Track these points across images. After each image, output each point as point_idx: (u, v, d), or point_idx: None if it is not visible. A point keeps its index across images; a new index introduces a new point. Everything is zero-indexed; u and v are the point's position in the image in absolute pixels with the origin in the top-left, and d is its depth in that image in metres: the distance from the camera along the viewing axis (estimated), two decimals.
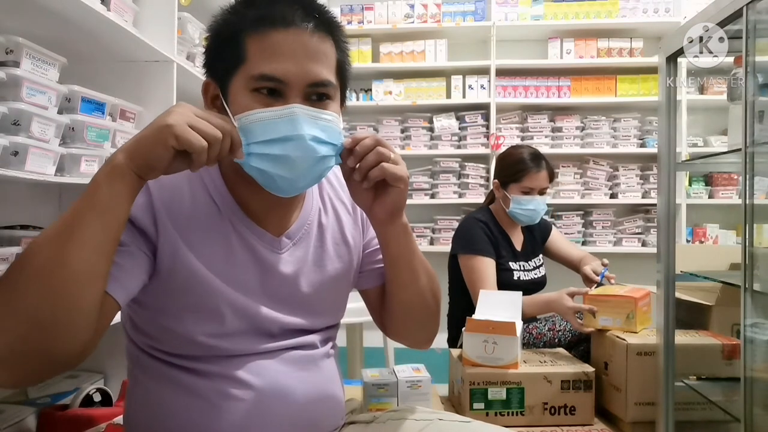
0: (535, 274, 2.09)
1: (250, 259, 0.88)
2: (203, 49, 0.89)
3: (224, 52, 0.83)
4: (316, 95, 0.82)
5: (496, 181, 2.07)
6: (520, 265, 2.06)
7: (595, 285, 1.91)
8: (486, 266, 1.94)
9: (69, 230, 0.68)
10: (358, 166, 0.83)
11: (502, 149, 2.23)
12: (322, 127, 0.80)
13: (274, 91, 0.80)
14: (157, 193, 0.83)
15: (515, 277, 2.02)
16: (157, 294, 0.83)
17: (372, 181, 0.83)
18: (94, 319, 0.70)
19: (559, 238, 2.24)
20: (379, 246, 0.98)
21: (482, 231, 2.01)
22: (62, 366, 0.71)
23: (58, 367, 0.71)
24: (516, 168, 2.01)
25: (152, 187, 0.82)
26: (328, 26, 0.84)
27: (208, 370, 0.86)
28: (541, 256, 2.18)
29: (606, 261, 2.02)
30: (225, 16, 0.85)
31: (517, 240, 2.11)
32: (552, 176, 2.06)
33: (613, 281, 1.94)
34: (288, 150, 0.78)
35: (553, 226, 2.29)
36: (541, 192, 2.02)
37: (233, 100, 0.81)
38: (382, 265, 0.99)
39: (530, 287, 2.02)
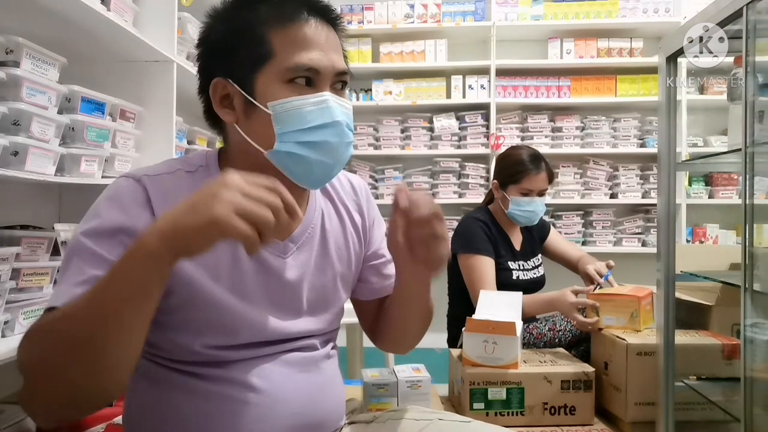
0: (534, 273, 2.09)
1: (256, 265, 0.87)
2: (212, 62, 0.88)
3: (244, 48, 0.82)
4: (340, 83, 0.86)
5: (495, 181, 2.07)
6: (519, 265, 2.06)
7: (597, 286, 1.91)
8: (486, 265, 1.94)
9: (108, 317, 0.66)
10: (402, 222, 0.81)
11: (502, 149, 2.23)
12: (347, 114, 0.85)
13: (305, 81, 0.82)
14: (161, 208, 0.80)
15: (514, 277, 2.02)
16: (162, 308, 0.81)
17: (410, 246, 0.82)
18: (131, 374, 0.72)
19: (557, 238, 2.24)
20: (379, 262, 1.02)
21: (481, 230, 2.01)
22: (99, 409, 0.77)
23: (96, 411, 0.78)
24: (515, 169, 2.01)
25: (156, 205, 0.80)
26: (334, 21, 0.88)
27: (208, 373, 0.86)
28: (540, 255, 2.17)
29: (612, 263, 2.01)
30: (239, 13, 0.84)
31: (516, 240, 2.11)
32: (551, 177, 2.06)
33: (613, 284, 1.94)
34: (327, 136, 0.81)
35: (551, 226, 2.29)
36: (540, 193, 2.01)
37: (263, 93, 0.81)
38: (382, 282, 1.03)
39: (529, 287, 2.02)
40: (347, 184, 1.03)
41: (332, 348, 1.01)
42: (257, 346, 0.88)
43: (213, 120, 0.90)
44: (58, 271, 1.23)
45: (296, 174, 0.83)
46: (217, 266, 0.84)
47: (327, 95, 0.82)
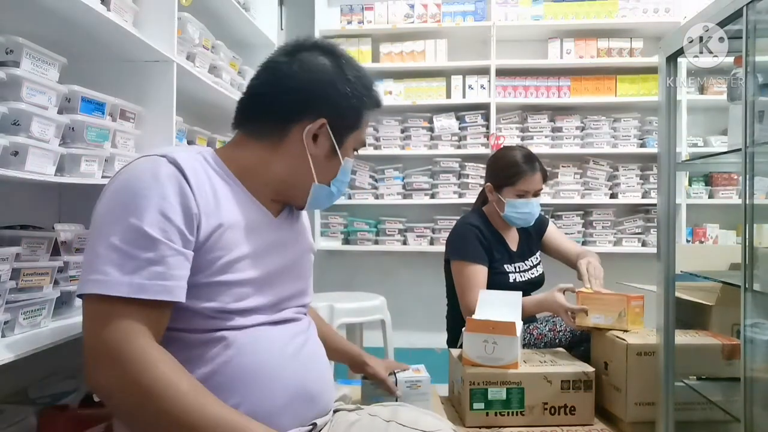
0: (532, 273, 2.08)
1: (263, 237, 1.01)
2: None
3: (349, 114, 1.06)
4: None
5: (489, 184, 2.05)
6: (515, 267, 2.05)
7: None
8: (476, 274, 1.93)
9: None
10: None
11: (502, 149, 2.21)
12: None
13: None
14: (195, 184, 0.92)
15: (511, 280, 2.01)
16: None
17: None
18: None
19: (555, 234, 2.21)
20: None
21: (475, 237, 1.99)
22: None
23: None
24: (510, 171, 1.98)
25: (191, 179, 0.91)
26: None
27: (207, 338, 0.92)
28: (538, 254, 2.16)
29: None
30: (351, 86, 1.04)
31: (512, 240, 2.10)
32: (545, 177, 2.04)
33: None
34: (345, 187, 1.13)
35: (549, 221, 2.26)
36: (536, 194, 2.00)
37: (344, 149, 1.07)
38: None
39: (527, 288, 2.01)
40: None
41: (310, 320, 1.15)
42: (257, 313, 0.98)
43: (270, 124, 1.04)
44: (58, 270, 1.24)
45: (313, 201, 1.08)
46: (240, 240, 0.97)
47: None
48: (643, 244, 3.43)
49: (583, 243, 3.41)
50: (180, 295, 0.88)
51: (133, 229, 0.85)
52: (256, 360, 0.94)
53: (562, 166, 3.47)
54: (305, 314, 1.13)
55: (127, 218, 0.85)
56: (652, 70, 3.33)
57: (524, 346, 1.92)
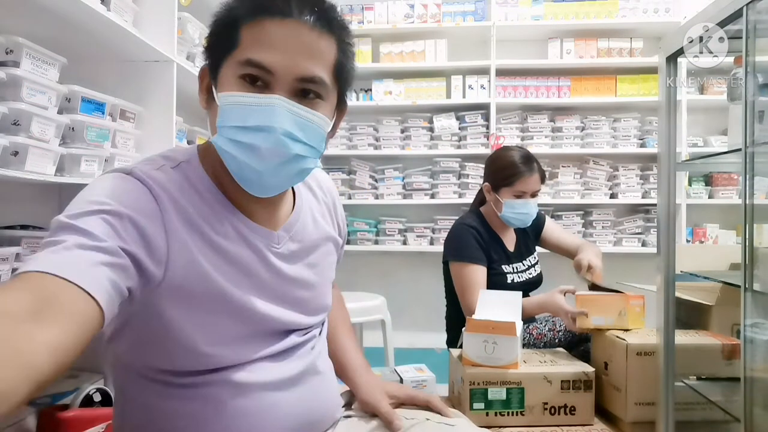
0: (530, 273, 2.08)
1: (251, 257, 0.85)
2: (203, 48, 0.89)
3: (220, 37, 0.80)
4: (304, 91, 0.79)
5: (487, 184, 2.05)
6: (513, 267, 2.04)
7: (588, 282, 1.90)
8: (475, 274, 1.93)
9: None
10: None
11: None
12: (301, 125, 0.78)
13: (257, 79, 0.77)
14: (163, 201, 0.77)
15: (509, 281, 2.00)
16: (163, 308, 0.77)
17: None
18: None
19: (553, 228, 2.20)
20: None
21: (473, 238, 1.98)
22: None
23: None
24: (508, 172, 1.98)
25: (158, 197, 0.76)
26: (330, 23, 0.80)
27: (201, 380, 0.82)
28: (536, 253, 2.16)
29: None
30: (227, 3, 0.81)
31: (510, 241, 2.09)
32: (544, 178, 2.03)
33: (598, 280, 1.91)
34: (257, 140, 0.75)
35: (546, 217, 2.26)
36: (534, 194, 1.99)
37: (221, 84, 0.79)
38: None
39: (525, 288, 2.00)
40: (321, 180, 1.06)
41: (320, 341, 1.00)
42: (254, 344, 0.85)
43: None
44: None
45: (232, 171, 0.79)
46: (219, 261, 0.81)
47: (273, 98, 0.75)
48: (643, 244, 3.43)
49: None
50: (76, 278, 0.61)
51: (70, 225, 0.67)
52: (253, 402, 0.84)
53: (562, 166, 3.48)
54: (320, 326, 1.00)
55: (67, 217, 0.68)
56: (652, 70, 3.34)
57: (524, 346, 1.92)
